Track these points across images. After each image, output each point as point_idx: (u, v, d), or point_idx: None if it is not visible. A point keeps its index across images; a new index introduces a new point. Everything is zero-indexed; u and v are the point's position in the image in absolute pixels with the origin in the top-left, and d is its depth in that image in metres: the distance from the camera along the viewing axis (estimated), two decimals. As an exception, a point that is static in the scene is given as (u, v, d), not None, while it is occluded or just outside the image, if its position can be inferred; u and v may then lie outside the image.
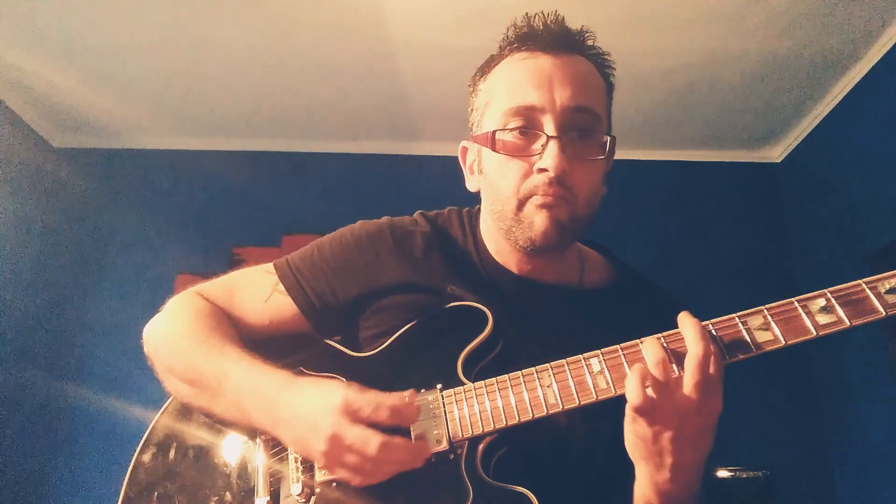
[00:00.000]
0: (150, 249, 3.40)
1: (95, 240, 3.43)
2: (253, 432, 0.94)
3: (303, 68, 3.01)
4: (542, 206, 0.89)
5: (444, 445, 0.83)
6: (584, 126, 0.91)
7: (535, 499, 0.78)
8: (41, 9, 2.62)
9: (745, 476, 2.56)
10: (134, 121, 3.42)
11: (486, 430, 0.83)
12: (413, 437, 0.84)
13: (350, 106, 3.31)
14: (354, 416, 0.79)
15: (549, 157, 0.88)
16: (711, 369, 0.73)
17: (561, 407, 0.80)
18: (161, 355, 0.99)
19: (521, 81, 0.92)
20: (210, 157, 3.58)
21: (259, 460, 0.91)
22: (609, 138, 0.93)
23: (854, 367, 2.95)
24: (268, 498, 0.88)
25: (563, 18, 0.95)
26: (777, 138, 3.53)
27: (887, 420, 2.73)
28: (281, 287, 1.02)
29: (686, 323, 0.75)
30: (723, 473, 2.58)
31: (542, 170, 0.88)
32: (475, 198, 1.10)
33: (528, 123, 0.91)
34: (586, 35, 0.97)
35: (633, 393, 0.72)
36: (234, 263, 3.35)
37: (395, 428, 0.81)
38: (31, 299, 3.24)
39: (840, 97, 3.09)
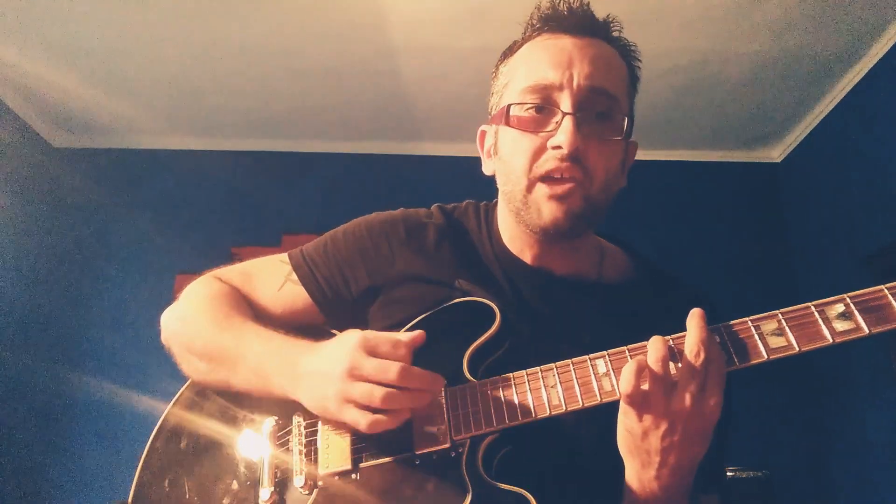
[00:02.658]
0: (150, 249, 3.40)
1: (95, 240, 3.43)
2: (267, 405, 0.94)
3: (303, 68, 3.01)
4: (553, 197, 0.87)
5: (446, 443, 0.83)
6: (601, 108, 0.89)
7: (533, 500, 0.77)
8: (41, 9, 2.62)
9: (745, 476, 2.56)
10: (134, 121, 3.42)
11: (487, 429, 0.82)
12: (415, 429, 0.84)
13: (350, 106, 3.31)
14: (373, 351, 0.81)
15: (563, 133, 0.86)
16: (711, 374, 0.72)
17: (564, 408, 0.79)
18: (180, 335, 1.00)
19: (540, 60, 0.91)
20: (210, 157, 3.58)
21: (265, 451, 0.92)
22: (626, 119, 0.91)
23: (854, 367, 2.95)
24: (272, 488, 0.88)
25: (589, 3, 0.94)
26: (777, 138, 3.53)
27: (887, 420, 2.73)
28: (294, 277, 1.02)
29: (691, 324, 0.74)
30: (723, 473, 2.57)
31: (556, 147, 0.86)
32: (483, 194, 1.10)
33: (545, 101, 0.89)
34: (612, 24, 0.95)
35: (626, 382, 0.72)
36: (233, 263, 3.35)
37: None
38: (31, 299, 3.24)
39: (840, 97, 3.09)
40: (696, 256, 3.41)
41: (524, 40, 0.97)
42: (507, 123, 0.91)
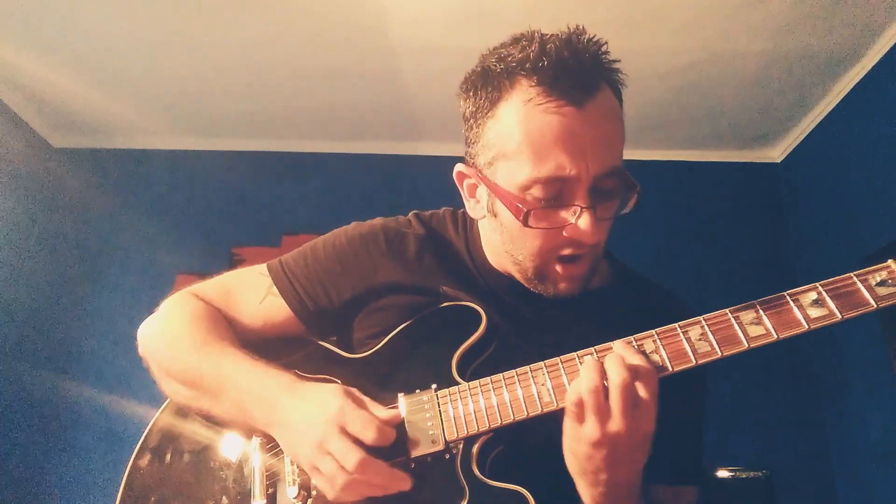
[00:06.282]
0: (150, 249, 3.39)
1: (95, 240, 3.43)
2: (249, 435, 0.94)
3: (303, 68, 3.01)
4: (568, 277, 0.90)
5: (440, 445, 0.83)
6: (611, 189, 0.87)
7: (530, 497, 0.78)
8: (41, 9, 2.62)
9: (745, 476, 2.56)
10: (134, 121, 3.42)
11: (481, 430, 0.83)
12: (408, 439, 0.84)
13: (350, 106, 3.31)
14: (343, 429, 0.81)
15: (585, 227, 0.83)
16: (640, 394, 0.74)
17: (555, 405, 0.81)
18: (158, 357, 0.99)
19: (550, 145, 0.82)
20: (210, 157, 3.58)
21: (255, 463, 0.91)
22: (634, 197, 0.88)
23: (854, 366, 2.95)
24: (264, 500, 0.88)
25: (585, 39, 0.84)
26: (777, 138, 3.53)
27: (887, 419, 2.73)
28: (274, 289, 1.02)
29: (612, 353, 0.78)
30: (723, 473, 2.57)
31: (576, 239, 0.86)
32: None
33: (559, 194, 0.84)
34: (600, 51, 0.85)
35: (571, 396, 0.76)
36: (234, 263, 3.35)
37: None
38: (31, 299, 3.24)
39: (840, 97, 3.09)
40: (696, 256, 3.41)
41: (509, 85, 0.85)
42: (526, 225, 0.84)
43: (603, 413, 0.74)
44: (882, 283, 0.75)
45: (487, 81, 0.88)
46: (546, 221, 0.85)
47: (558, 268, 0.90)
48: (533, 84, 0.83)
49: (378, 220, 1.07)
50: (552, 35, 0.86)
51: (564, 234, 0.86)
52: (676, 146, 3.59)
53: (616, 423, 0.74)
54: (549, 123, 0.82)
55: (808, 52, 2.85)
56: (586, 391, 0.74)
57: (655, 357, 0.79)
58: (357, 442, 0.80)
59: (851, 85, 3.00)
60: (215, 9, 2.63)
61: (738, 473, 2.56)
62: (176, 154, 3.59)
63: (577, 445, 0.76)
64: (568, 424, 0.77)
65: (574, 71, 0.82)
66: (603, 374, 0.76)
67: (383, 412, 0.85)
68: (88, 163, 3.56)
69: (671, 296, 1.04)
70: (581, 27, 0.85)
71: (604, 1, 2.50)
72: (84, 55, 2.91)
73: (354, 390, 0.87)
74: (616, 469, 0.76)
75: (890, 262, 0.76)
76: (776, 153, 3.63)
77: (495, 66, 0.87)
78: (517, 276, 0.96)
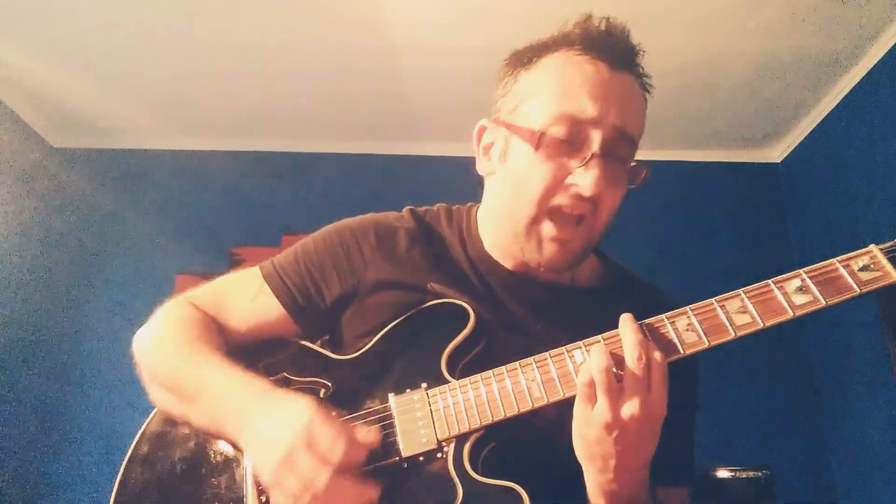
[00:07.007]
0: (150, 249, 3.40)
1: (95, 240, 3.43)
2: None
3: (303, 68, 3.01)
4: (556, 240, 0.89)
5: (432, 444, 0.83)
6: (623, 155, 0.90)
7: (524, 493, 0.78)
8: (42, 9, 2.62)
9: (745, 476, 2.56)
10: (134, 121, 3.42)
11: (472, 427, 0.83)
12: (399, 439, 0.84)
13: (350, 106, 3.31)
14: (311, 446, 0.78)
15: (590, 176, 0.85)
16: (653, 374, 0.74)
17: (546, 400, 0.80)
18: (145, 363, 0.99)
19: (578, 86, 0.87)
20: (210, 157, 3.58)
21: (247, 469, 0.90)
22: (644, 171, 0.92)
23: (854, 367, 2.95)
24: None
25: (629, 32, 0.92)
26: (777, 138, 3.53)
27: (887, 420, 2.73)
28: (266, 288, 1.02)
29: (625, 329, 0.77)
30: (723, 473, 2.57)
31: (578, 186, 0.86)
32: (472, 197, 1.10)
33: (577, 133, 0.87)
34: (638, 54, 0.93)
35: (582, 378, 0.76)
36: (234, 263, 3.35)
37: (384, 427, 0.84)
38: (30, 299, 3.24)
39: (840, 97, 3.09)
40: (695, 257, 3.40)
41: (552, 48, 0.92)
42: (537, 147, 0.87)
43: (614, 394, 0.74)
44: (864, 269, 0.76)
45: (530, 48, 0.95)
46: (556, 157, 0.88)
47: (551, 225, 0.89)
48: (572, 46, 0.90)
49: (369, 216, 1.07)
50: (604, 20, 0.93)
51: (568, 181, 0.87)
52: (676, 146, 3.59)
53: (628, 406, 0.73)
54: (582, 71, 0.88)
55: (808, 52, 2.85)
56: (598, 371, 0.74)
57: None
58: (325, 460, 0.77)
59: (851, 85, 3.00)
60: (215, 9, 2.64)
61: (738, 473, 2.55)
62: (176, 154, 3.60)
63: (588, 428, 0.76)
64: (578, 406, 0.77)
65: (612, 41, 0.90)
66: (614, 357, 0.75)
67: (360, 430, 0.83)
68: (88, 163, 3.56)
69: (661, 293, 1.04)
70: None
71: (604, 1, 2.50)
72: (84, 55, 2.91)
73: (324, 406, 0.85)
74: (626, 455, 0.75)
75: (872, 246, 0.77)
76: (776, 153, 3.63)
77: (539, 41, 0.95)
78: (513, 239, 0.94)
